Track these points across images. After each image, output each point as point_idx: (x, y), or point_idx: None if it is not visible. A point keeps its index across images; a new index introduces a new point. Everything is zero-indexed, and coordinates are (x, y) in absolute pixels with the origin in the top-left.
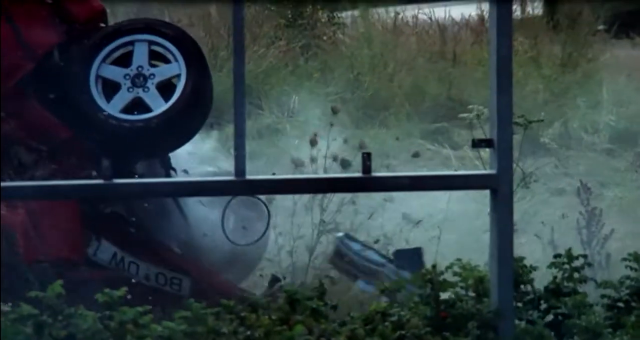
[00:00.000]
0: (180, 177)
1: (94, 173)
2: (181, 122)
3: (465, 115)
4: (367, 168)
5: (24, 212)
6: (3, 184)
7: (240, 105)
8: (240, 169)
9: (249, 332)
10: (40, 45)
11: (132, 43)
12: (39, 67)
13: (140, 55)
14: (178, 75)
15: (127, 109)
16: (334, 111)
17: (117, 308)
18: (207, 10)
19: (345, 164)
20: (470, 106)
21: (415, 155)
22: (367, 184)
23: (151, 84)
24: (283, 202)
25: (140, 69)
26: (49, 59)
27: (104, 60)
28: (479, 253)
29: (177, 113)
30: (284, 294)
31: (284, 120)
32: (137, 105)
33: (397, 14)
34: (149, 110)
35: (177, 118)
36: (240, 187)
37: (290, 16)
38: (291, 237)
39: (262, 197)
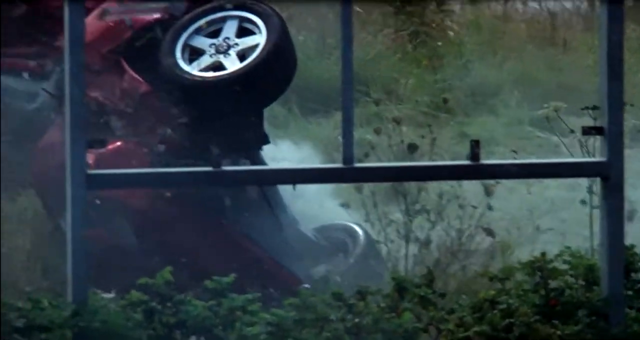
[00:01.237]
0: (288, 165)
1: (168, 131)
2: (253, 82)
3: (540, 111)
4: (475, 155)
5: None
6: (117, 171)
7: (347, 92)
8: (348, 157)
9: (357, 320)
10: (139, 21)
11: (224, 19)
12: (134, 37)
13: (230, 28)
14: (258, 44)
15: (205, 70)
16: (445, 101)
17: (227, 295)
18: None
19: (412, 148)
20: (546, 104)
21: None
22: (475, 171)
23: (232, 51)
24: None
25: (226, 39)
26: (147, 31)
27: (196, 31)
28: (578, 241)
29: (250, 73)
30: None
31: (392, 107)
32: (217, 68)
33: (506, 0)
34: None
35: (249, 78)
36: (348, 175)
37: (398, 3)
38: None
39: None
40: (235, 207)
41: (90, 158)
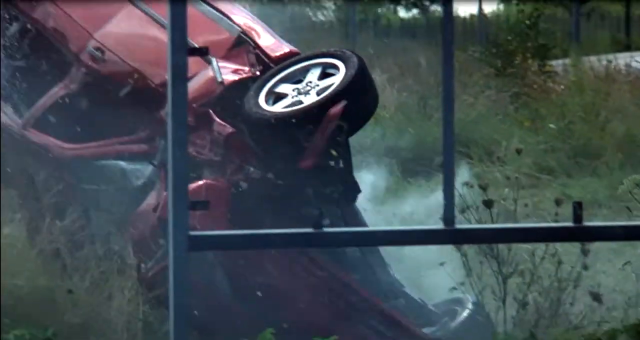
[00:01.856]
0: (389, 226)
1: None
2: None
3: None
4: (578, 217)
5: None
6: (219, 232)
7: (448, 153)
8: (449, 218)
9: None
10: (229, 79)
11: (308, 68)
12: (224, 93)
13: (313, 74)
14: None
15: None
16: (518, 152)
17: None
18: (417, 60)
19: (489, 205)
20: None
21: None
22: (579, 233)
23: (313, 91)
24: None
25: (309, 83)
26: (236, 87)
27: (281, 80)
28: None
29: (324, 104)
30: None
31: (494, 169)
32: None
33: (609, 61)
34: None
35: (324, 108)
36: (449, 236)
37: (500, 65)
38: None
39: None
40: (336, 263)
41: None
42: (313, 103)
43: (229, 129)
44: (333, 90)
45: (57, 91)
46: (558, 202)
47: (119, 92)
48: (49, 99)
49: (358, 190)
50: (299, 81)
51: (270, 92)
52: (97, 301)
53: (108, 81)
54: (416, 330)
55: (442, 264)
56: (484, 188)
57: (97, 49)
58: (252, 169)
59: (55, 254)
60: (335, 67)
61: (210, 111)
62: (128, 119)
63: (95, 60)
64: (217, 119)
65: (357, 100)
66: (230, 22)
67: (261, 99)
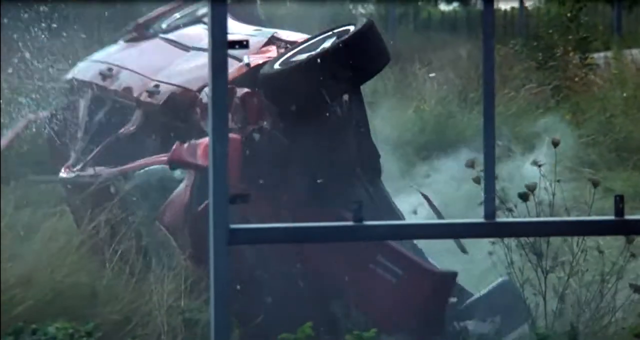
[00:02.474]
0: (429, 220)
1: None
2: (336, 60)
3: None
4: (619, 211)
5: None
6: (259, 226)
7: (489, 147)
8: (489, 212)
9: None
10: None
11: (324, 39)
12: (248, 73)
13: (327, 42)
14: None
15: None
16: (554, 144)
17: None
18: (458, 53)
19: (524, 197)
20: None
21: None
22: (620, 227)
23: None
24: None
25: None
26: (259, 68)
27: (298, 52)
28: None
29: (331, 52)
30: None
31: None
32: None
33: None
34: None
35: (333, 56)
36: (490, 230)
37: (541, 58)
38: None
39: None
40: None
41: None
42: (321, 51)
43: (245, 89)
44: (340, 41)
45: (121, 132)
46: (595, 184)
47: (172, 116)
48: (112, 139)
49: (378, 155)
50: (315, 50)
51: (286, 61)
52: (137, 294)
53: (163, 109)
54: (424, 263)
55: (490, 253)
56: (530, 189)
57: (155, 86)
58: (265, 123)
59: (96, 248)
60: (348, 32)
61: (235, 87)
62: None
63: (152, 95)
64: (238, 91)
65: (362, 52)
66: None
67: (276, 66)
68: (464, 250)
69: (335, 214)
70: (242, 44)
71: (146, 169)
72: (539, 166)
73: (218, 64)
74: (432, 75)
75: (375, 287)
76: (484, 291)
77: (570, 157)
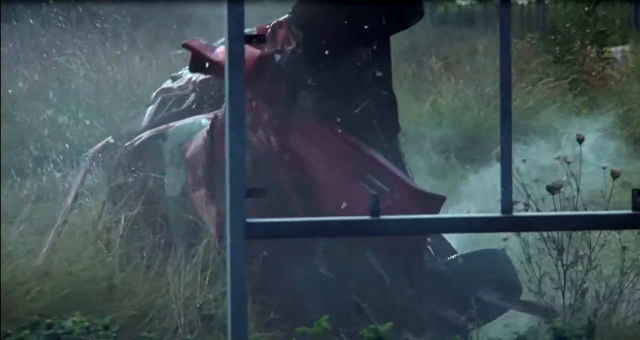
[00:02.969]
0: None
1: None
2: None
3: None
4: (637, 205)
5: None
6: (277, 220)
7: (506, 141)
8: (506, 206)
9: None
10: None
11: None
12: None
13: None
14: None
15: None
16: (579, 140)
17: None
18: (475, 47)
19: (552, 190)
20: None
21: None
22: (638, 221)
23: None
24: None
25: None
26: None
27: None
28: None
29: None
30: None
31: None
32: None
33: None
34: None
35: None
36: (507, 224)
37: (557, 52)
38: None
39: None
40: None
41: None
42: None
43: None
44: None
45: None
46: (614, 175)
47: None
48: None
49: (395, 101)
50: None
51: None
52: (155, 287)
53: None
54: (411, 183)
55: (505, 239)
56: (557, 187)
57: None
58: (289, 47)
59: (113, 241)
60: None
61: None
62: None
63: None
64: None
65: (399, 2)
66: None
67: None
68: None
69: (341, 138)
70: (259, 38)
71: (177, 124)
72: (568, 163)
73: (235, 57)
74: None
75: (364, 201)
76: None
77: (587, 152)
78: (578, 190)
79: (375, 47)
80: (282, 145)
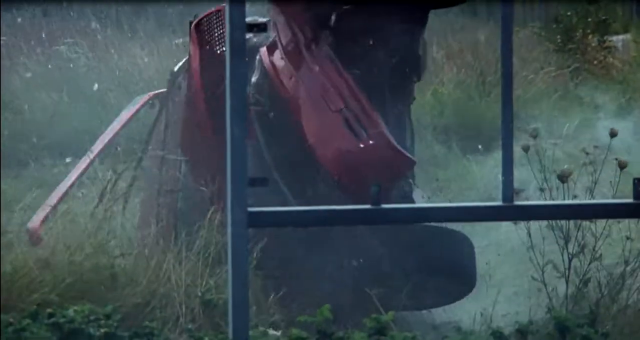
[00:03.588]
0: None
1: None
2: None
3: None
4: (638, 194)
5: None
6: (278, 209)
7: (507, 130)
8: (507, 195)
9: None
10: None
11: None
12: None
13: None
14: None
15: None
16: (612, 135)
17: (386, 333)
18: (476, 36)
19: (563, 177)
20: None
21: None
22: (639, 210)
23: None
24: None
25: None
26: None
27: None
28: None
29: None
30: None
31: (553, 146)
32: None
33: None
34: None
35: None
36: (508, 213)
37: (559, 41)
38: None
39: None
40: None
41: None
42: None
43: None
44: None
45: None
46: (621, 165)
47: None
48: None
49: (418, 75)
50: None
51: None
52: (156, 275)
53: None
54: (389, 136)
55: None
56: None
57: None
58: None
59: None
60: None
61: None
62: None
63: None
64: None
65: None
66: None
67: None
68: None
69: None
70: (260, 27)
71: None
72: (587, 154)
73: (236, 46)
74: None
75: (341, 140)
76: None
77: (589, 141)
78: (595, 183)
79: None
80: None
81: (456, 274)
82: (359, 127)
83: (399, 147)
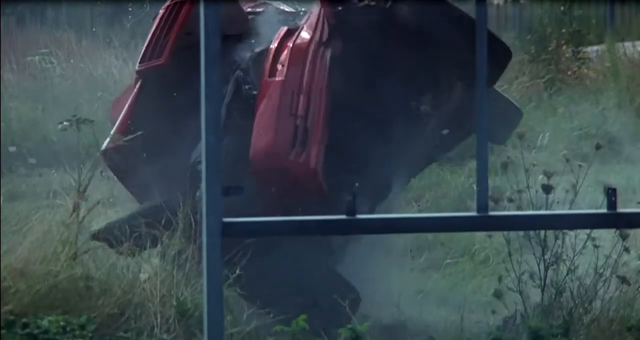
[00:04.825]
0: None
1: None
2: None
3: None
4: (612, 204)
5: None
6: (253, 219)
7: (482, 140)
8: (482, 204)
9: None
10: None
11: None
12: None
13: None
14: None
15: None
16: (598, 147)
17: None
18: None
19: (547, 189)
20: None
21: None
22: (613, 220)
23: None
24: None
25: None
26: None
27: None
28: None
29: None
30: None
31: (528, 155)
32: None
33: None
34: None
35: None
36: (483, 223)
37: (533, 51)
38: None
39: None
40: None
41: None
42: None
43: None
44: None
45: None
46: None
47: None
48: None
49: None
50: None
51: None
52: (131, 285)
53: None
54: (321, 149)
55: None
56: (548, 176)
57: None
58: None
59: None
60: None
61: None
62: None
63: None
64: None
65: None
66: None
67: None
68: None
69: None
70: (236, 37)
71: None
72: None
73: (211, 54)
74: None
75: (278, 140)
76: None
77: (561, 150)
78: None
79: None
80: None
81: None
82: (302, 139)
83: (320, 178)
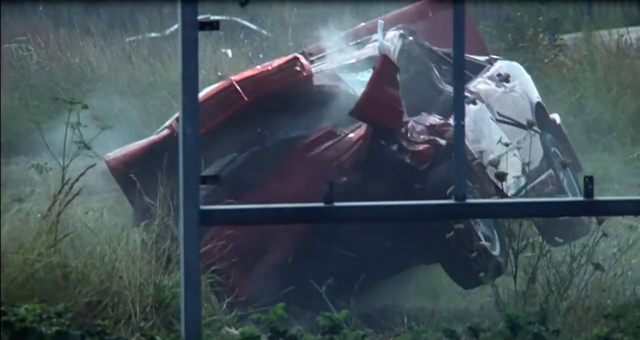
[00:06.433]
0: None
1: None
2: None
3: None
4: (589, 192)
5: None
6: (230, 207)
7: (459, 130)
8: (460, 193)
9: None
10: None
11: None
12: None
13: None
14: None
15: None
16: (564, 165)
17: (339, 331)
18: None
19: (501, 177)
20: None
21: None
22: (589, 207)
23: None
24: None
25: None
26: None
27: None
28: None
29: None
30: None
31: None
32: None
33: (620, 36)
34: None
35: None
36: (460, 211)
37: (511, 39)
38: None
39: None
40: None
41: None
42: None
43: None
44: None
45: None
46: (564, 165)
47: None
48: None
49: None
50: None
51: None
52: (108, 274)
53: None
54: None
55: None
56: (494, 164)
57: None
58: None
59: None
60: None
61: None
62: None
63: None
64: None
65: None
66: None
67: None
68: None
69: None
70: (212, 25)
71: None
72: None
73: (188, 44)
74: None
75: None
76: None
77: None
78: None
79: None
80: None
81: None
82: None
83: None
